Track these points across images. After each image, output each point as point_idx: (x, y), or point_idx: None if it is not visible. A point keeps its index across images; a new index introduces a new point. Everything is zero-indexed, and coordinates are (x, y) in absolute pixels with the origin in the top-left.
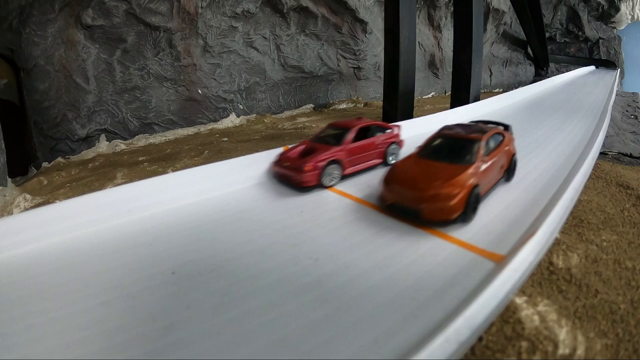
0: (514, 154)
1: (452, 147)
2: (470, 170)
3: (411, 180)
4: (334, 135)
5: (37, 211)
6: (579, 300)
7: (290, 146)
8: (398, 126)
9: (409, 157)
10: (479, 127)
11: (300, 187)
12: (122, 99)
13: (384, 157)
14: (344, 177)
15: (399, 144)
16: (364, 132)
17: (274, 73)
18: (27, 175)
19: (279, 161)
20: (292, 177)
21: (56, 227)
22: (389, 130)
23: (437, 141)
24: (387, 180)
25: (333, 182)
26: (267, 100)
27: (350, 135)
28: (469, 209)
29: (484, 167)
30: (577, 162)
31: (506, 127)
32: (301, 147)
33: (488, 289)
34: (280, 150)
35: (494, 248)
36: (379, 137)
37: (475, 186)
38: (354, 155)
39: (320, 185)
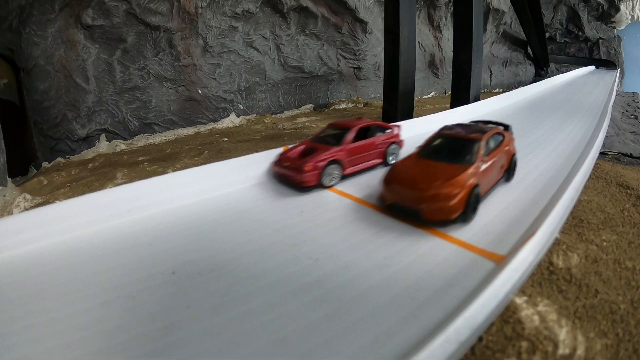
0: (514, 154)
1: (452, 147)
2: (470, 170)
3: (411, 180)
4: (334, 135)
5: (37, 211)
6: (579, 300)
7: (290, 146)
8: (398, 126)
9: (409, 157)
10: (479, 127)
11: (300, 187)
12: (122, 99)
13: (384, 157)
14: (344, 177)
15: (399, 144)
16: (364, 132)
17: (274, 73)
18: (27, 175)
19: (279, 161)
20: (292, 177)
21: (56, 227)
22: (389, 130)
23: (437, 141)
24: (387, 180)
25: (333, 182)
26: (267, 100)
27: (350, 135)
28: (469, 209)
29: (484, 167)
30: (577, 162)
31: (506, 127)
32: (301, 147)
33: (488, 289)
34: (280, 150)
35: (494, 248)
36: (379, 137)
37: (475, 186)
38: (354, 155)
39: (320, 185)
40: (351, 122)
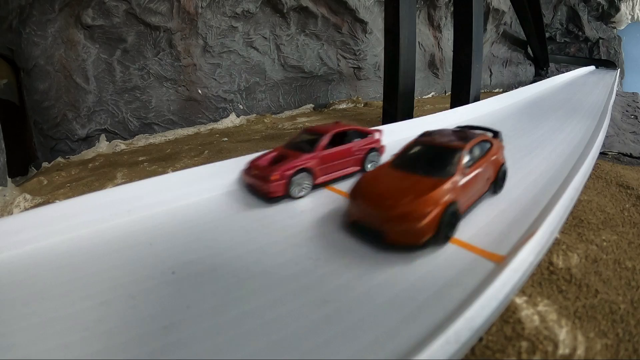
0: (502, 164)
1: (430, 156)
2: (447, 185)
3: (377, 196)
4: (308, 141)
5: (37, 211)
6: (579, 300)
7: (260, 153)
8: (379, 131)
9: (381, 167)
10: (464, 134)
11: (267, 197)
12: (122, 99)
13: (362, 164)
14: (315, 187)
15: (380, 150)
16: (341, 138)
17: (274, 73)
18: (27, 175)
19: (249, 169)
20: (259, 186)
21: (56, 227)
22: (369, 136)
23: (415, 149)
24: (353, 194)
25: (303, 193)
26: (267, 100)
27: (324, 141)
28: (441, 231)
29: (464, 180)
30: (577, 162)
31: (495, 134)
32: (273, 154)
33: (488, 289)
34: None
35: (494, 248)
36: (357, 143)
37: (452, 203)
38: (327, 162)
39: (288, 196)
40: (326, 127)
